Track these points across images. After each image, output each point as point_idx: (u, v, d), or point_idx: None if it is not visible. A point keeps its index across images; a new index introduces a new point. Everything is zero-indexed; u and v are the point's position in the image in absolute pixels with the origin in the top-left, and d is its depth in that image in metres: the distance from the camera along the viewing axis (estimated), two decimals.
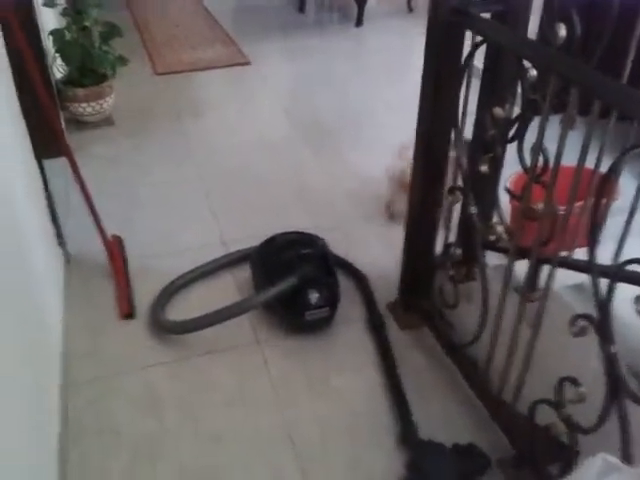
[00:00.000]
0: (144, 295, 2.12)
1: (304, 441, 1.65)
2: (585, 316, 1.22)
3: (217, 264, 2.25)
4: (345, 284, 2.15)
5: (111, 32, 3.25)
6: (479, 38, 1.45)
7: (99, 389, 1.79)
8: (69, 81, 3.22)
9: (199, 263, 2.23)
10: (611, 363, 1.14)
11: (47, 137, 2.21)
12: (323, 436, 1.66)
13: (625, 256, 1.40)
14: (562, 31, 1.21)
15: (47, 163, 2.23)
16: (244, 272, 2.20)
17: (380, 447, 1.63)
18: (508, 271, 1.42)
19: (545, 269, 1.40)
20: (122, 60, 3.31)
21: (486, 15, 1.52)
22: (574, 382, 1.26)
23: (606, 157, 1.40)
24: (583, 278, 1.43)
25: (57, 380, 1.74)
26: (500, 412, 1.56)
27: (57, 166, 2.39)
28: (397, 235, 2.04)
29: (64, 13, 3.17)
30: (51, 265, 2.08)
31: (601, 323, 1.17)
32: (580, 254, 1.50)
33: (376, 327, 1.97)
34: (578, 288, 1.49)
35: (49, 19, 3.30)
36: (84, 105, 3.22)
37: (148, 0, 5.77)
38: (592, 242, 1.21)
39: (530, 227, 1.40)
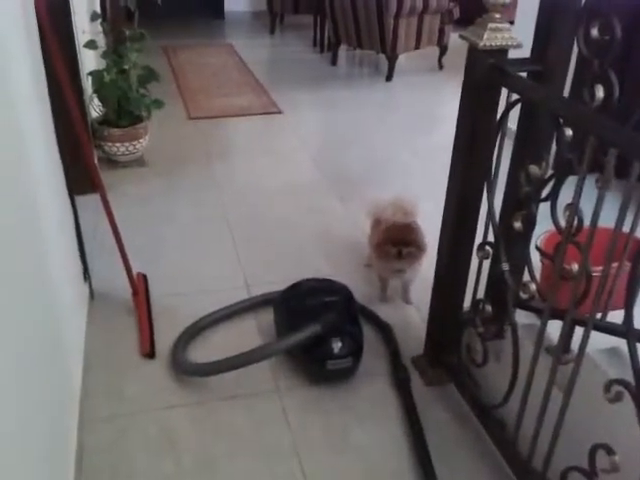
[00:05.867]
0: (166, 334, 2.11)
1: None
2: (621, 382, 1.18)
3: (240, 307, 2.24)
4: (369, 335, 2.12)
5: (149, 76, 3.34)
6: (515, 96, 1.47)
7: (116, 428, 1.77)
8: (105, 121, 3.30)
9: (222, 304, 2.22)
10: None
11: (81, 174, 2.26)
12: None
13: None
14: (600, 92, 1.22)
15: (78, 199, 2.27)
16: (267, 316, 2.19)
17: None
18: (541, 333, 1.39)
19: (578, 330, 1.36)
20: (158, 103, 3.39)
21: (522, 74, 1.53)
22: (608, 450, 1.21)
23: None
24: (617, 342, 1.40)
25: (75, 417, 1.72)
26: (529, 478, 1.50)
27: (87, 202, 2.43)
28: (424, 286, 2.02)
29: (104, 55, 3.27)
30: (75, 300, 2.09)
31: (638, 390, 1.13)
32: (614, 317, 1.47)
33: (401, 382, 1.93)
34: (612, 352, 1.45)
35: (89, 60, 3.41)
36: (118, 145, 3.30)
37: (185, 48, 5.96)
38: (629, 306, 1.18)
39: (563, 286, 1.38)
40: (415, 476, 1.64)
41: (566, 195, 1.29)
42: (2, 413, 1.03)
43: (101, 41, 3.38)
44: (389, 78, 5.18)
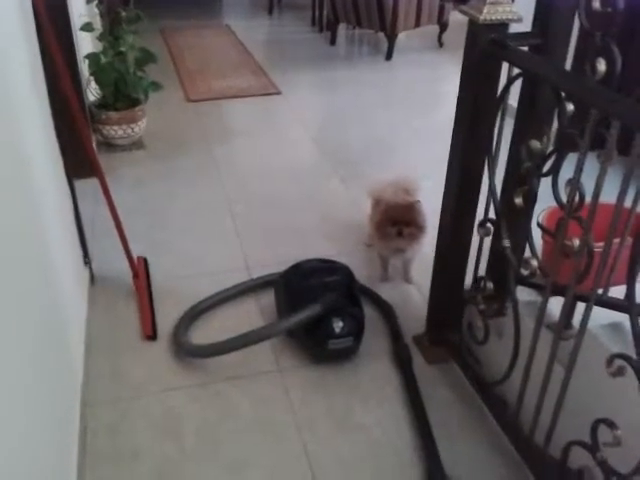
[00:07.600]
0: (167, 317, 2.11)
1: (325, 475, 1.60)
2: (623, 356, 1.17)
3: (241, 288, 2.24)
4: (370, 314, 2.12)
5: (146, 58, 3.31)
6: (516, 71, 1.45)
7: (119, 411, 1.77)
8: (103, 104, 3.28)
9: (223, 287, 2.22)
10: None
11: (79, 158, 2.24)
12: (345, 471, 1.62)
13: None
14: (602, 66, 1.20)
15: (76, 183, 2.25)
16: (268, 297, 2.18)
17: None
18: (542, 309, 1.39)
19: (579, 306, 1.36)
20: (156, 86, 3.37)
21: (523, 48, 1.51)
22: (610, 424, 1.21)
23: None
24: (618, 317, 1.40)
25: (77, 401, 1.72)
26: (531, 454, 1.50)
27: (85, 187, 2.42)
28: (425, 265, 2.01)
29: (101, 38, 3.24)
30: (76, 285, 2.09)
31: None
32: (616, 292, 1.46)
33: (402, 360, 1.93)
34: (614, 327, 1.44)
35: (85, 43, 3.38)
36: (116, 128, 3.28)
37: (182, 29, 5.90)
38: (631, 281, 1.17)
39: (564, 263, 1.37)
40: (417, 454, 1.65)
41: (568, 172, 1.27)
42: (5, 396, 1.03)
43: (97, 23, 3.34)
44: (389, 57, 5.13)
